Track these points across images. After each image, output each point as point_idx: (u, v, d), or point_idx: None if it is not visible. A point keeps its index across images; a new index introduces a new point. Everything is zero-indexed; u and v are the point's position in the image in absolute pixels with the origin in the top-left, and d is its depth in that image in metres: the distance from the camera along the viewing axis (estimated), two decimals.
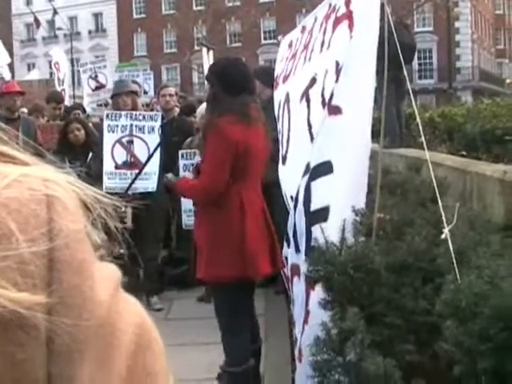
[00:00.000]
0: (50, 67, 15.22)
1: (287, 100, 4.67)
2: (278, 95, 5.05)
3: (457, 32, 54.53)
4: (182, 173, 6.98)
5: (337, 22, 3.78)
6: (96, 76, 13.38)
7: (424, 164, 5.57)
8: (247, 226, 4.57)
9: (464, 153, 7.62)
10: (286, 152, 4.65)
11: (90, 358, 0.61)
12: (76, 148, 7.92)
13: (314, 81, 4.04)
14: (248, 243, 4.54)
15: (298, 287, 3.73)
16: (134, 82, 10.01)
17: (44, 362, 0.57)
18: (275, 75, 5.44)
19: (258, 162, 4.67)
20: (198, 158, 7.13)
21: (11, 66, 16.92)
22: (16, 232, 0.56)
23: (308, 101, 4.14)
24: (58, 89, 14.43)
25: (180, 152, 7.34)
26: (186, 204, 7.11)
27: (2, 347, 0.54)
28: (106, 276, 0.65)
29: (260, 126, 4.68)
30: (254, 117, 4.60)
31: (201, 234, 4.77)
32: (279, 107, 4.93)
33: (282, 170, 4.80)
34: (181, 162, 7.27)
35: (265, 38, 60.56)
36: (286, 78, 4.93)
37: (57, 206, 0.59)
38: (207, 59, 10.78)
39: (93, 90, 13.23)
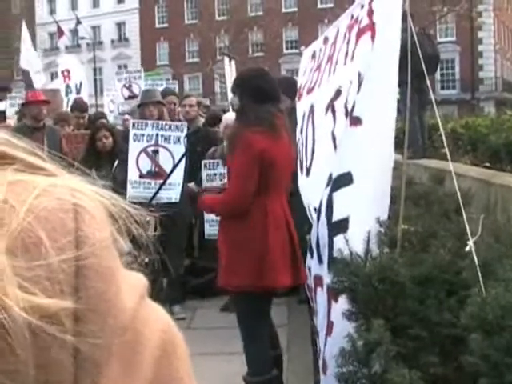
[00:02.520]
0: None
1: (311, 112, 4.66)
2: (302, 107, 5.04)
3: (480, 42, 54.33)
4: (204, 183, 7.00)
5: (360, 33, 3.78)
6: (130, 86, 13.44)
7: (447, 175, 5.56)
8: (269, 237, 4.57)
9: (488, 164, 7.59)
10: (311, 164, 4.64)
11: (115, 363, 0.63)
12: (102, 155, 7.97)
13: (338, 93, 4.05)
14: (269, 253, 4.54)
15: (320, 298, 3.73)
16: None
17: (71, 366, 0.59)
18: (298, 86, 5.44)
19: (283, 173, 4.66)
20: (221, 168, 7.15)
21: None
22: (45, 240, 0.58)
23: (334, 113, 4.14)
24: (65, 98, 14.44)
25: (203, 162, 7.36)
26: (209, 214, 7.13)
27: (33, 352, 0.56)
28: (132, 284, 0.67)
29: (285, 135, 4.68)
30: (279, 126, 4.61)
31: (223, 243, 4.81)
32: (303, 119, 4.92)
33: (306, 182, 4.78)
34: (204, 173, 7.29)
35: (287, 48, 60.59)
36: (310, 90, 4.92)
37: (83, 215, 0.61)
38: (229, 69, 10.82)
39: (125, 99, 13.30)
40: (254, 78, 4.78)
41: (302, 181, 4.82)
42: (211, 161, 7.43)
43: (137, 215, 0.69)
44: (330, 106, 4.17)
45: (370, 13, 3.64)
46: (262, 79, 4.73)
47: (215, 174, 7.27)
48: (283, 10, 60.59)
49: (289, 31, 60.87)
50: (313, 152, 4.59)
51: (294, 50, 57.47)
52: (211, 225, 7.32)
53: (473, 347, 2.11)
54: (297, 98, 5.55)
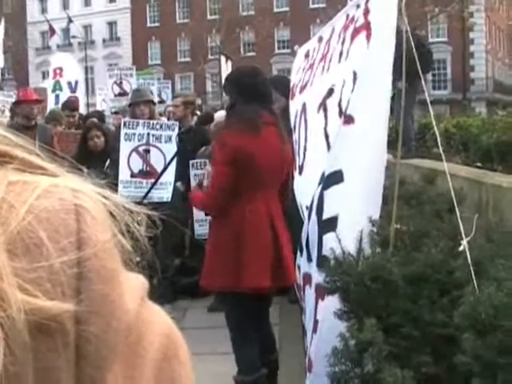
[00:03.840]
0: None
1: (304, 110, 4.65)
2: (295, 105, 5.03)
3: (471, 43, 54.48)
4: (192, 182, 6.99)
5: (355, 32, 3.77)
6: (121, 82, 13.41)
7: (439, 175, 5.56)
8: (246, 238, 4.54)
9: (479, 164, 7.62)
10: (303, 162, 4.62)
11: (117, 366, 0.62)
12: (94, 154, 7.95)
13: (331, 91, 4.04)
14: (245, 255, 4.51)
15: (308, 296, 3.73)
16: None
17: (73, 369, 0.58)
18: (291, 85, 5.42)
19: (268, 172, 4.61)
20: (208, 168, 7.17)
21: (26, 74, 16.96)
22: (46, 241, 0.57)
23: (325, 111, 4.14)
24: (51, 95, 14.36)
25: (191, 162, 7.37)
26: (199, 213, 7.15)
27: (33, 354, 0.55)
28: (133, 286, 0.66)
29: (273, 135, 4.65)
30: (261, 126, 4.57)
31: (208, 243, 4.83)
32: (296, 117, 4.90)
33: (298, 181, 4.77)
34: (191, 172, 7.29)
35: (279, 48, 60.62)
36: (302, 89, 4.91)
37: (85, 216, 0.60)
38: (226, 68, 10.82)
39: (115, 96, 13.27)
40: (243, 76, 4.76)
41: (296, 179, 4.81)
42: (199, 160, 7.43)
43: (138, 215, 0.68)
44: (322, 105, 4.16)
45: (366, 12, 3.63)
46: (251, 78, 4.70)
47: (203, 174, 7.27)
48: (275, 10, 60.58)
49: (280, 31, 60.89)
50: (305, 150, 4.58)
51: (285, 50, 57.54)
52: (201, 224, 7.35)
53: (465, 347, 2.11)
54: (290, 97, 5.53)
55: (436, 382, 2.45)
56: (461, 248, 2.71)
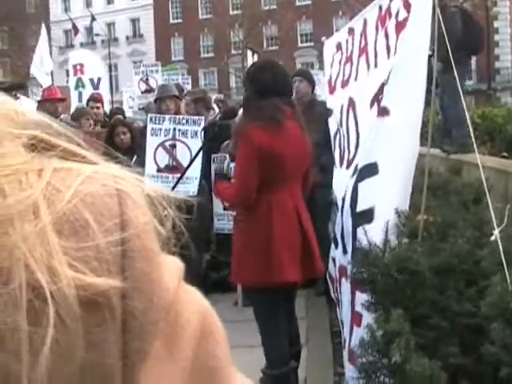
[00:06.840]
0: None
1: (352, 106, 4.55)
2: (337, 100, 4.92)
3: (495, 32, 53.95)
4: (214, 176, 7.03)
5: (399, 26, 3.73)
6: (147, 79, 13.45)
7: (465, 166, 5.55)
8: (274, 232, 4.53)
9: (505, 154, 7.57)
10: (354, 157, 4.52)
11: (158, 342, 0.65)
12: (121, 151, 7.94)
13: (383, 87, 3.99)
14: (274, 249, 4.50)
15: (345, 288, 3.73)
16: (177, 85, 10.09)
17: (119, 342, 0.61)
18: (328, 78, 5.34)
19: (291, 166, 4.59)
20: (228, 162, 7.21)
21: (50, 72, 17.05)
22: (92, 223, 0.60)
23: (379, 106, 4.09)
24: (74, 92, 14.33)
25: (212, 156, 7.41)
26: (217, 207, 7.18)
27: (83, 327, 0.58)
28: (171, 267, 0.69)
29: (294, 128, 4.63)
30: (284, 120, 4.56)
31: (235, 238, 4.83)
32: (341, 112, 4.80)
33: (344, 174, 4.67)
34: (213, 166, 7.34)
35: (301, 41, 60.43)
36: (345, 83, 4.82)
37: (127, 200, 0.63)
38: (252, 62, 10.79)
39: (142, 93, 13.30)
40: (260, 70, 4.75)
41: (341, 173, 4.72)
42: (220, 155, 7.46)
43: (177, 201, 0.71)
44: (376, 101, 4.08)
45: (407, 5, 3.59)
46: (268, 72, 4.67)
47: (223, 169, 7.31)
48: (297, 3, 60.39)
49: (303, 24, 60.68)
50: (357, 145, 4.48)
51: (308, 44, 57.39)
52: (219, 218, 7.39)
53: (493, 337, 2.11)
54: (327, 91, 5.48)
55: (464, 373, 2.45)
56: (492, 238, 2.71)
